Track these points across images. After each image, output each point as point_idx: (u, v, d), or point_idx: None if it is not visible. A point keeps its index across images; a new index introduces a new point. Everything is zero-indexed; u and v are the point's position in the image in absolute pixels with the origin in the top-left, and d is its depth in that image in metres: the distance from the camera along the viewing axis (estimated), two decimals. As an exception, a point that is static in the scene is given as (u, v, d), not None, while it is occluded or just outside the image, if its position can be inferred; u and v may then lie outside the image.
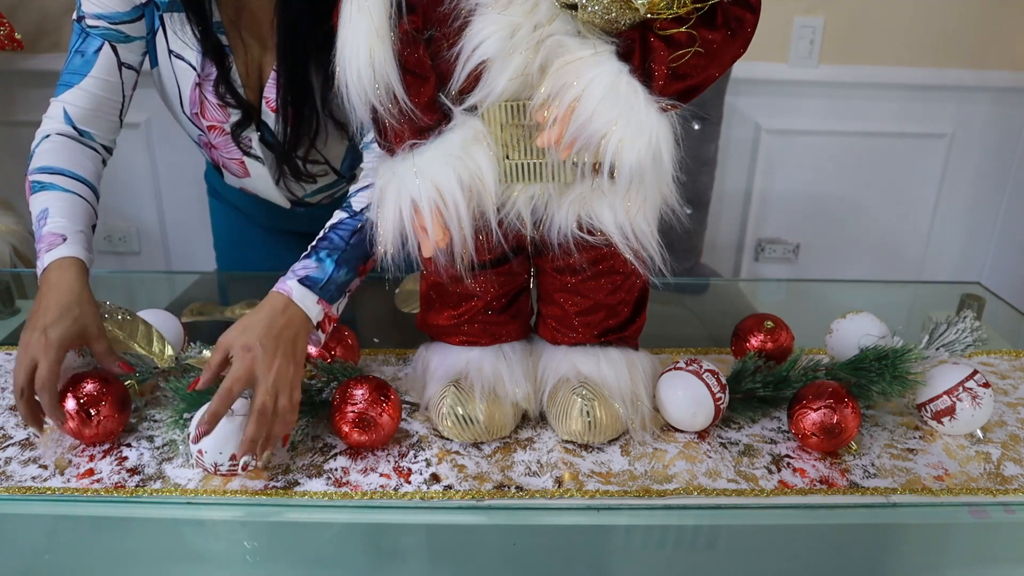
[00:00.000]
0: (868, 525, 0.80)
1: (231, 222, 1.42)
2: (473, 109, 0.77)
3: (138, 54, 1.06)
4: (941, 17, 2.08)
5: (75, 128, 1.04)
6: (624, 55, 0.73)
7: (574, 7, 0.71)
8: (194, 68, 1.05)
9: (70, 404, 0.83)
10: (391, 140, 0.80)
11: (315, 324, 0.88)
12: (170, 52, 1.05)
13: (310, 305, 0.87)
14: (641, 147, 0.72)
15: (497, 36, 0.72)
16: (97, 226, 1.01)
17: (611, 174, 0.74)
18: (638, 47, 0.74)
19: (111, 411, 0.84)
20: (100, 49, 1.03)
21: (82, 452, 0.85)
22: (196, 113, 1.10)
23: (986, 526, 0.80)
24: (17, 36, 1.79)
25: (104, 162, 1.08)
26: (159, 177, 2.22)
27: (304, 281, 0.88)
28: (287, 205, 1.24)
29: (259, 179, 1.18)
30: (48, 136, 1.03)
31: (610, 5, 0.71)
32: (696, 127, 1.86)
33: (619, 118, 0.71)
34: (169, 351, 0.95)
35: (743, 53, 0.78)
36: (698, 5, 0.72)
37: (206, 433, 0.78)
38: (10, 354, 1.06)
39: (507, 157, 0.78)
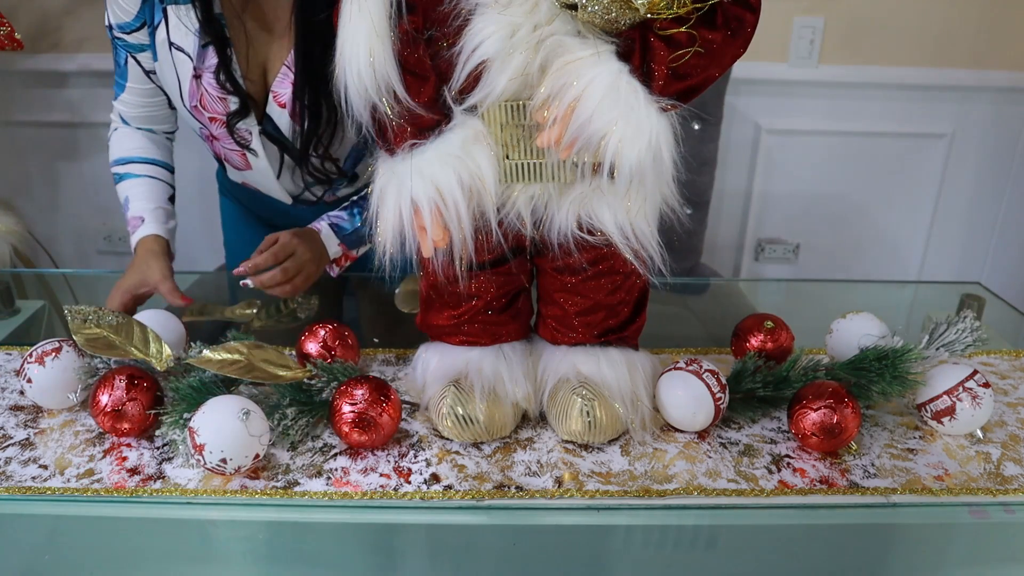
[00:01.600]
0: (868, 525, 0.80)
1: (240, 220, 1.43)
2: (473, 109, 0.77)
3: (152, 62, 1.12)
4: (941, 17, 2.08)
5: (137, 128, 1.22)
6: (624, 55, 0.73)
7: (574, 7, 0.71)
8: (192, 59, 1.06)
9: (103, 399, 0.84)
10: (391, 140, 0.80)
11: (331, 259, 1.16)
12: (171, 44, 1.07)
13: (332, 245, 1.15)
14: (641, 147, 0.72)
15: (497, 36, 0.72)
16: (175, 192, 1.26)
17: (611, 174, 0.74)
18: (638, 47, 0.74)
19: (143, 407, 0.85)
20: (127, 61, 1.13)
21: (82, 452, 0.85)
22: (195, 106, 1.11)
23: (986, 526, 0.80)
24: (17, 36, 1.79)
25: (172, 142, 1.28)
26: (159, 177, 2.22)
27: (332, 226, 1.16)
28: (288, 200, 1.25)
29: (260, 172, 1.18)
30: (116, 130, 1.23)
31: (610, 5, 0.71)
32: (696, 127, 1.86)
33: (619, 118, 0.71)
34: (167, 351, 0.95)
35: (743, 53, 0.78)
36: (698, 5, 0.72)
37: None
38: (10, 354, 1.06)
39: (507, 157, 0.78)
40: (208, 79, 1.08)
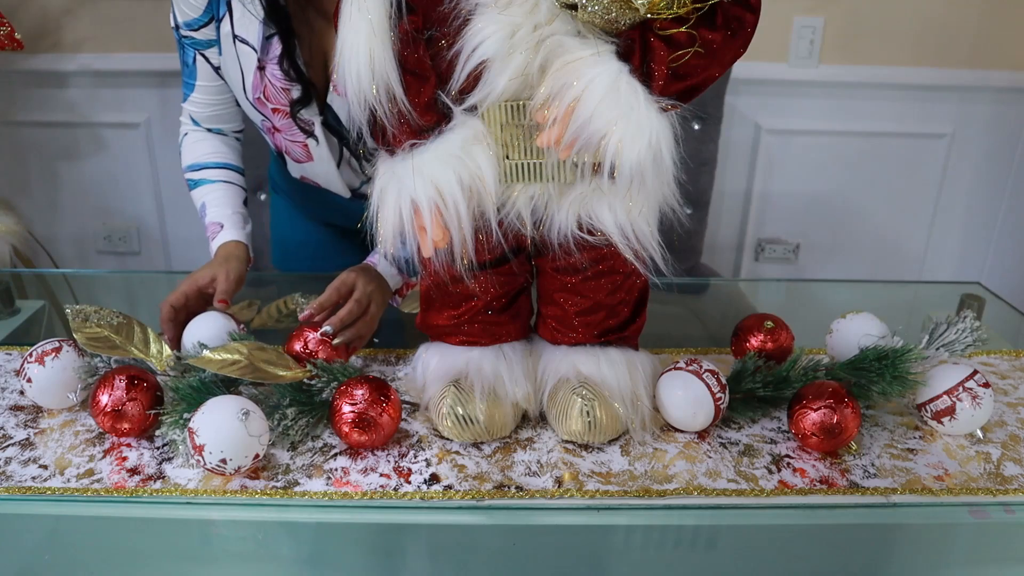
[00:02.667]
0: (868, 525, 0.80)
1: (291, 218, 1.44)
2: (473, 109, 0.77)
3: (219, 57, 1.13)
4: (941, 17, 2.08)
5: (205, 129, 1.22)
6: (624, 55, 0.73)
7: (574, 7, 0.71)
8: (256, 50, 1.08)
9: (103, 399, 0.84)
10: (391, 141, 0.80)
11: (394, 290, 1.09)
12: (235, 37, 1.08)
13: (391, 275, 1.09)
14: (641, 147, 0.72)
15: (497, 36, 0.72)
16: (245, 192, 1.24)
17: (611, 174, 0.74)
18: (638, 47, 0.74)
19: (143, 407, 0.85)
20: (195, 59, 1.13)
21: (82, 452, 0.85)
22: (259, 98, 1.13)
23: (986, 526, 0.80)
24: (17, 36, 1.79)
25: (240, 142, 1.27)
26: (159, 177, 2.22)
27: (387, 256, 1.10)
28: (347, 194, 1.26)
29: (321, 162, 1.20)
30: (187, 134, 1.23)
31: (610, 5, 0.71)
32: (696, 127, 1.86)
33: (619, 118, 0.71)
34: (167, 351, 0.95)
35: (743, 53, 0.78)
36: (698, 5, 0.72)
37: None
38: (10, 354, 1.06)
39: (507, 157, 0.78)
40: (272, 69, 1.09)
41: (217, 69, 1.15)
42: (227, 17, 1.08)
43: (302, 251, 1.45)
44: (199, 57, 1.14)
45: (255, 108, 1.14)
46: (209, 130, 1.22)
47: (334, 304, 1.03)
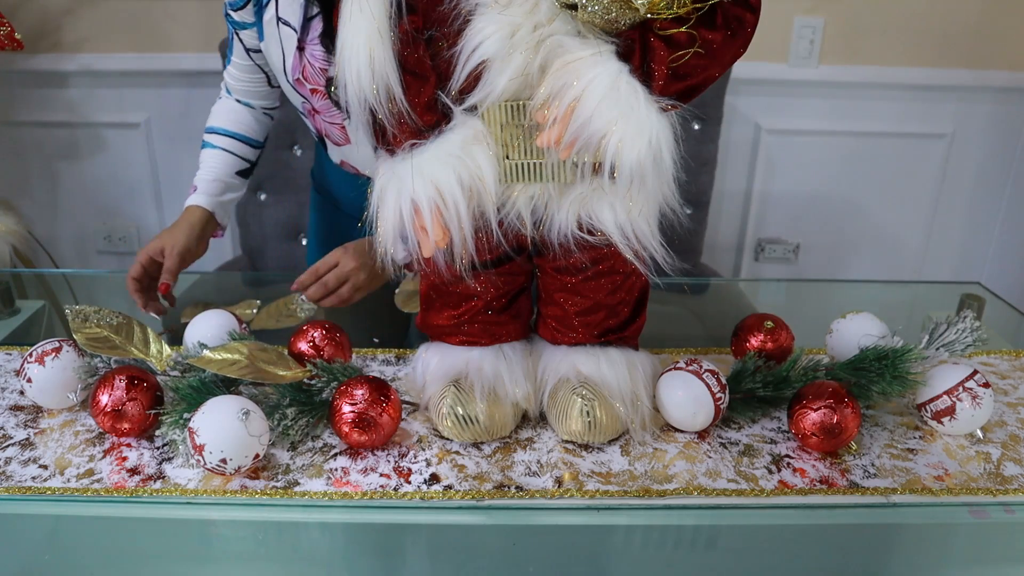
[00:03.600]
0: (868, 525, 0.80)
1: (331, 216, 1.46)
2: (473, 109, 0.77)
3: (256, 40, 1.20)
4: (941, 17, 2.08)
5: (235, 99, 1.30)
6: (624, 55, 0.73)
7: (574, 7, 0.71)
8: (296, 31, 1.12)
9: (103, 399, 0.84)
10: (391, 141, 0.80)
11: (401, 265, 1.04)
12: (278, 19, 1.13)
13: (397, 250, 0.98)
14: (641, 147, 0.72)
15: (497, 36, 0.72)
16: (256, 166, 1.32)
17: (611, 174, 0.74)
18: (638, 47, 0.74)
19: (143, 407, 0.85)
20: (233, 36, 1.21)
21: (82, 452, 0.85)
22: (298, 79, 1.16)
23: (986, 526, 0.80)
24: (17, 36, 1.79)
25: (271, 118, 1.33)
26: (159, 177, 2.22)
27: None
28: None
29: (360, 145, 1.23)
30: (220, 98, 1.31)
31: (610, 5, 0.71)
32: (696, 127, 1.86)
33: (619, 118, 0.71)
34: (167, 351, 0.95)
35: (743, 53, 0.78)
36: (698, 5, 0.72)
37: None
38: (10, 354, 1.06)
39: (507, 157, 0.78)
40: (311, 50, 1.12)
41: (249, 51, 1.22)
42: (272, 2, 1.13)
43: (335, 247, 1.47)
44: (235, 35, 1.22)
45: (295, 89, 1.18)
46: (238, 101, 1.29)
47: (311, 280, 1.12)
